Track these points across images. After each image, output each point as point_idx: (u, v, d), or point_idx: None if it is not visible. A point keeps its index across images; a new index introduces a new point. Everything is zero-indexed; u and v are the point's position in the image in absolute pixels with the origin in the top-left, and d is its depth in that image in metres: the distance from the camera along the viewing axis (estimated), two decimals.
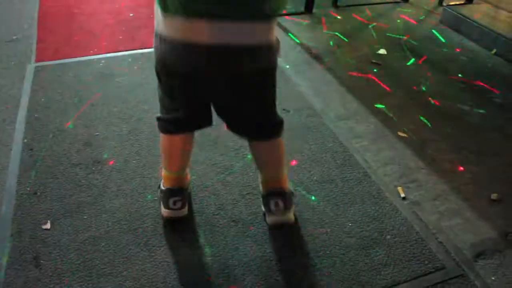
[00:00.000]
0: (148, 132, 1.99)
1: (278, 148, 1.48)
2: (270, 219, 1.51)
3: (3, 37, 2.82)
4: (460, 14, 3.14)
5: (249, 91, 1.32)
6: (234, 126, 1.46)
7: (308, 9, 3.29)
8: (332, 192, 1.72)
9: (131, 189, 1.70)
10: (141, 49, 2.63)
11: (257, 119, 1.40)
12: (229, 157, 1.87)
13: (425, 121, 2.17)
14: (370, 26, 3.16)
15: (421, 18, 3.36)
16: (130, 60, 2.54)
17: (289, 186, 1.55)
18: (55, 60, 2.56)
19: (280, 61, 2.57)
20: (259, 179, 1.58)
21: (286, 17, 3.21)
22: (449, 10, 3.24)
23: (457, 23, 3.16)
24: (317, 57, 2.69)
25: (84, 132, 1.99)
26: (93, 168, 1.79)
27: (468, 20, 3.07)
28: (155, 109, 2.08)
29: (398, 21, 3.27)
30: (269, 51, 1.26)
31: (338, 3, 3.43)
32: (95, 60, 2.54)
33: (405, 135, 2.08)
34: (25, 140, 1.94)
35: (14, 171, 1.78)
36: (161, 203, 1.54)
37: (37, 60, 2.56)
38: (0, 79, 2.40)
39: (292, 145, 1.94)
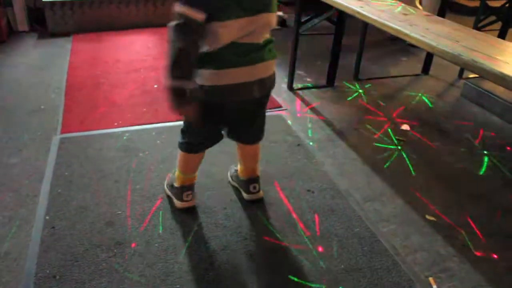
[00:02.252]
0: (171, 212, 1.96)
1: (259, 147, 2.01)
2: (249, 196, 2.05)
3: (30, 107, 2.88)
4: (482, 88, 3.14)
5: (262, 109, 1.88)
6: (239, 136, 1.93)
7: (330, 82, 3.33)
8: (361, 282, 1.65)
9: (153, 275, 1.65)
10: (165, 122, 2.66)
11: (260, 130, 1.93)
12: None
13: (453, 202, 2.12)
14: (391, 100, 3.17)
15: (442, 91, 3.37)
16: (154, 133, 2.55)
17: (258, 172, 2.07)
18: (80, 131, 2.59)
19: (304, 137, 2.59)
20: (237, 169, 2.10)
21: (308, 90, 3.26)
22: (470, 84, 3.24)
23: (479, 97, 3.15)
24: (340, 133, 2.69)
25: (106, 211, 1.97)
26: (115, 251, 1.76)
27: (490, 94, 3.07)
28: None
29: (420, 94, 3.28)
30: (274, 77, 1.78)
31: (359, 76, 3.47)
32: (119, 133, 2.57)
33: (433, 218, 2.02)
34: (47, 217, 1.93)
35: (34, 251, 1.76)
36: (175, 198, 2.00)
37: (63, 131, 2.59)
38: (25, 151, 2.42)
39: (318, 230, 1.89)
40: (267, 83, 1.73)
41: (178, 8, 1.45)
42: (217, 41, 1.54)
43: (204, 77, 1.61)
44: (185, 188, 1.95)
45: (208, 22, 1.48)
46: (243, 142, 1.97)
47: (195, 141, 1.85)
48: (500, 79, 1.61)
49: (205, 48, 1.56)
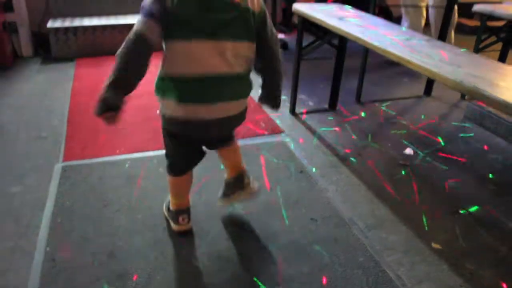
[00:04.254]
0: (173, 244, 1.94)
1: (237, 143, 2.01)
2: (248, 189, 1.99)
3: (32, 134, 2.88)
4: (486, 110, 3.12)
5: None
6: (214, 146, 1.95)
7: (332, 106, 3.32)
8: None
9: None
10: None
11: (231, 135, 1.97)
12: None
13: (459, 229, 2.09)
14: (394, 124, 3.16)
15: (445, 113, 3.36)
16: (155, 162, 2.54)
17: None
18: (82, 159, 2.58)
19: (306, 163, 2.57)
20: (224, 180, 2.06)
21: (310, 115, 3.25)
22: (473, 105, 3.23)
23: (482, 119, 3.14)
24: (343, 159, 2.67)
25: (108, 241, 1.94)
26: (116, 284, 1.73)
27: (494, 116, 3.05)
28: None
29: (423, 116, 3.27)
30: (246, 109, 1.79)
31: (361, 100, 3.47)
32: (121, 161, 2.56)
33: (439, 246, 1.99)
34: (48, 249, 1.90)
35: (34, 285, 1.72)
36: (171, 220, 2.01)
37: (65, 159, 2.58)
38: (27, 179, 2.41)
39: (321, 260, 1.86)
40: (238, 119, 1.76)
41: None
42: (174, 63, 1.57)
43: (165, 106, 1.71)
44: (180, 212, 1.97)
45: (166, 38, 1.53)
46: (216, 149, 1.99)
47: (176, 161, 1.89)
48: (503, 106, 1.59)
49: (163, 72, 1.63)
